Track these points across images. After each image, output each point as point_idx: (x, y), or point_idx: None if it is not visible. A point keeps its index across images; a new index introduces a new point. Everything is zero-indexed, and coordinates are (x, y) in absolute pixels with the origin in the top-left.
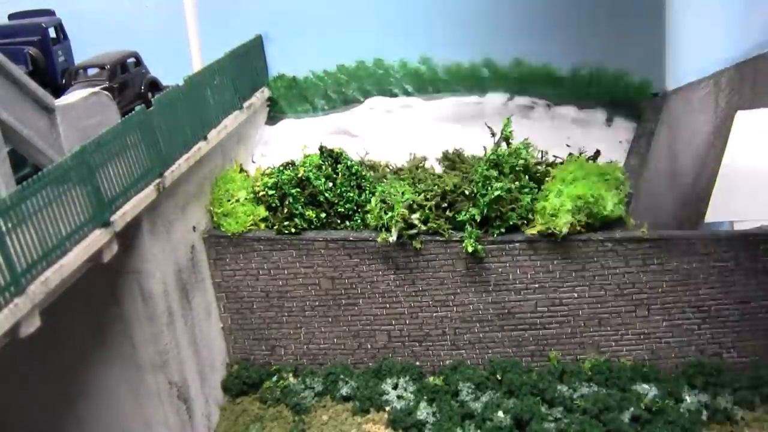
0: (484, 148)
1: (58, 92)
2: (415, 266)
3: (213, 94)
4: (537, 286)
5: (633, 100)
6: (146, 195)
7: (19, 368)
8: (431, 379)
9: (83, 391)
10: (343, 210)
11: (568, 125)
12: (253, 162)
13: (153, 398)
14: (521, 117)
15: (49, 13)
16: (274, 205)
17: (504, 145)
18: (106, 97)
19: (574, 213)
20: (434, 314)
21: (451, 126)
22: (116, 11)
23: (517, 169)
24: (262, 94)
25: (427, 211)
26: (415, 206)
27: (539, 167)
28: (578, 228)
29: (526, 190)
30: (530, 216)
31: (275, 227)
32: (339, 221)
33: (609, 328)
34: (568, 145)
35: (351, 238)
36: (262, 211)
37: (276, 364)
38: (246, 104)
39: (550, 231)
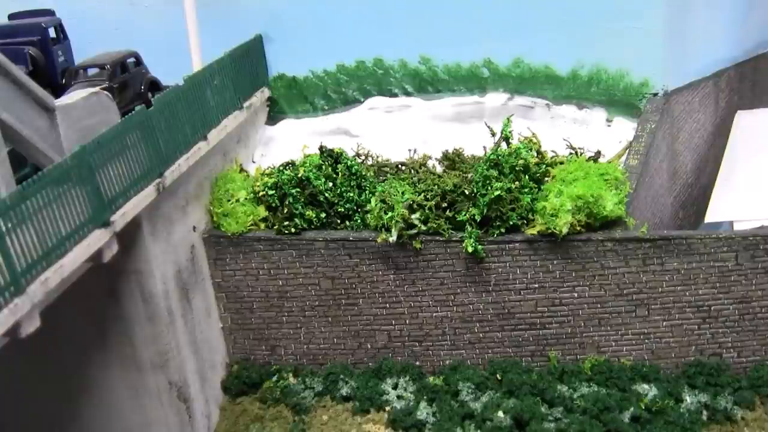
0: (484, 148)
1: (58, 92)
2: (415, 266)
3: (213, 94)
4: (537, 286)
5: (633, 99)
6: (146, 195)
7: (19, 368)
8: (431, 379)
9: (83, 391)
10: (343, 210)
11: (568, 125)
12: (253, 162)
13: (153, 398)
14: (521, 117)
15: (49, 13)
16: (274, 205)
17: (504, 144)
18: (106, 97)
19: (574, 213)
20: (434, 314)
21: (451, 126)
22: (116, 11)
23: (517, 169)
24: (262, 94)
25: (427, 211)
26: (415, 206)
27: (540, 165)
28: (578, 228)
29: (526, 190)
30: (530, 216)
31: (275, 227)
32: (339, 221)
33: (609, 328)
34: (567, 146)
35: (351, 238)
36: (262, 211)
37: (276, 364)
38: (246, 104)
39: (550, 231)
